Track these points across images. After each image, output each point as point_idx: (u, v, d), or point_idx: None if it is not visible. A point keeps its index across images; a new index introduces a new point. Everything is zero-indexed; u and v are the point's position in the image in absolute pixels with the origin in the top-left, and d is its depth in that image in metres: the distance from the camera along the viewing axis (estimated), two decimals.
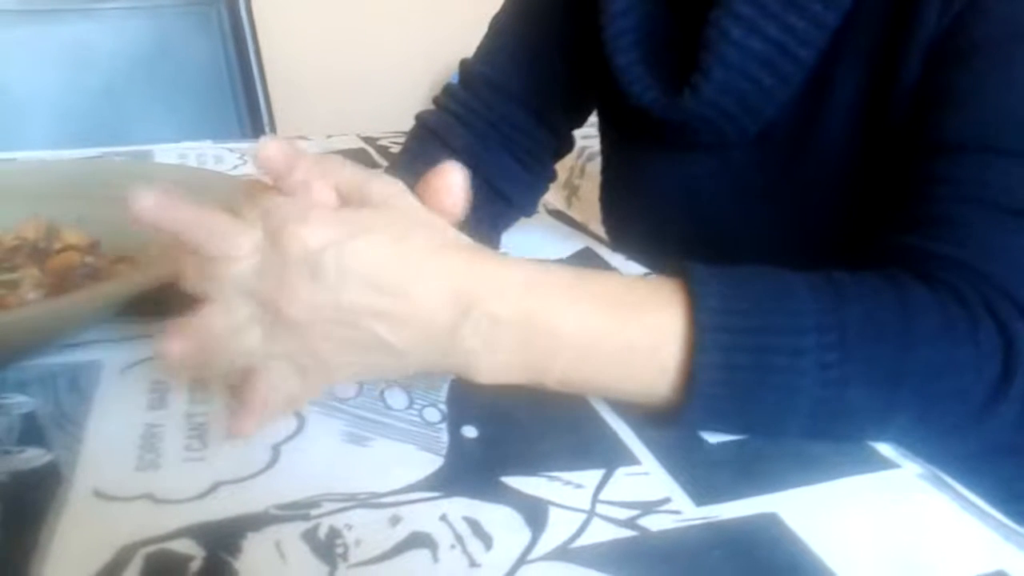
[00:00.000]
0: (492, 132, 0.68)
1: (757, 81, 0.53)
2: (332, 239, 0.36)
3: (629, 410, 0.44)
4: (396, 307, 0.37)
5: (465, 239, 0.41)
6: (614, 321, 0.40)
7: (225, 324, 0.37)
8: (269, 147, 0.37)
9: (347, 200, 0.39)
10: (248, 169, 0.91)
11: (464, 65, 0.71)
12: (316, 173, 0.38)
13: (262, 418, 0.39)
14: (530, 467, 0.40)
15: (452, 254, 0.39)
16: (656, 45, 0.59)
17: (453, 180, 0.41)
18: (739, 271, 0.42)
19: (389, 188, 0.40)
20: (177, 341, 0.36)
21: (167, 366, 0.41)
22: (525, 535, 0.35)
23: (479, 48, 0.72)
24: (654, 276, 0.45)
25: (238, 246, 0.37)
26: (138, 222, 0.36)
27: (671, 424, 0.41)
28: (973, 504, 0.39)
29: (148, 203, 0.36)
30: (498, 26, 0.71)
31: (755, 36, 0.52)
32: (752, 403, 0.40)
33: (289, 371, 0.39)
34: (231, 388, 0.43)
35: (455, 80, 0.72)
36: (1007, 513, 0.38)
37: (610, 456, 0.41)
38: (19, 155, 0.90)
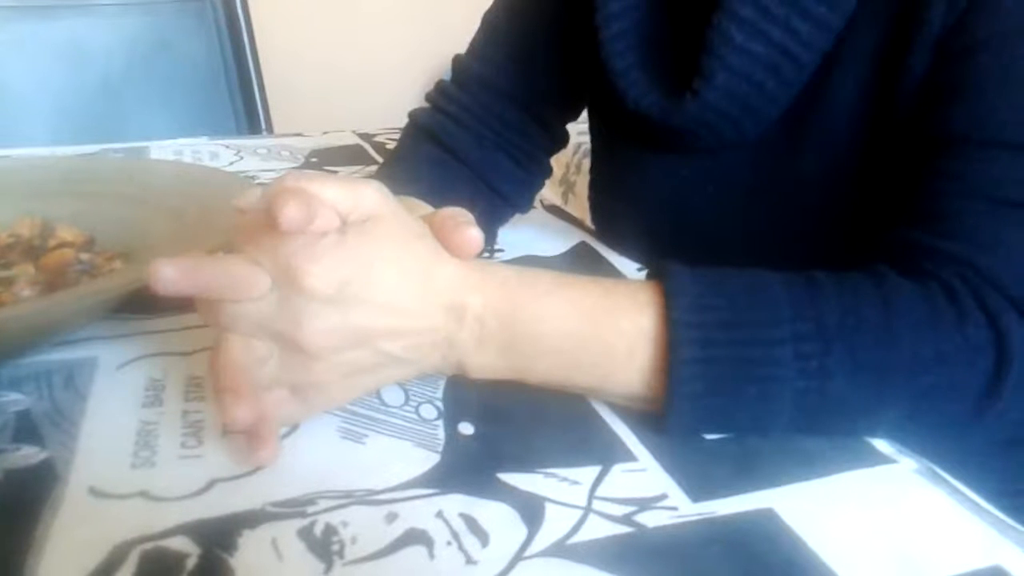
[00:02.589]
0: (485, 130, 0.67)
1: (759, 84, 0.53)
2: (345, 274, 0.38)
3: (625, 407, 0.44)
4: (405, 323, 0.40)
5: None
6: (591, 326, 0.41)
7: (247, 359, 0.39)
8: (289, 208, 0.36)
9: (345, 215, 0.39)
10: (243, 165, 0.91)
11: (457, 62, 0.71)
12: (318, 205, 0.38)
13: (276, 443, 0.40)
14: (527, 464, 0.40)
15: (445, 264, 0.41)
16: (654, 48, 0.58)
17: (472, 239, 0.42)
18: (715, 271, 0.42)
19: (377, 196, 0.40)
20: (241, 409, 0.37)
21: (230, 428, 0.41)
22: (521, 532, 0.35)
23: (471, 44, 0.71)
24: (645, 272, 0.45)
25: (256, 287, 0.38)
26: (163, 293, 0.36)
27: (663, 428, 0.41)
28: (969, 499, 0.39)
29: (170, 274, 0.36)
30: (490, 21, 0.70)
31: (758, 39, 0.51)
32: (734, 398, 0.40)
33: (293, 397, 0.40)
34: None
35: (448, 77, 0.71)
36: (1003, 508, 0.38)
37: (607, 452, 0.41)
38: (14, 152, 0.90)
